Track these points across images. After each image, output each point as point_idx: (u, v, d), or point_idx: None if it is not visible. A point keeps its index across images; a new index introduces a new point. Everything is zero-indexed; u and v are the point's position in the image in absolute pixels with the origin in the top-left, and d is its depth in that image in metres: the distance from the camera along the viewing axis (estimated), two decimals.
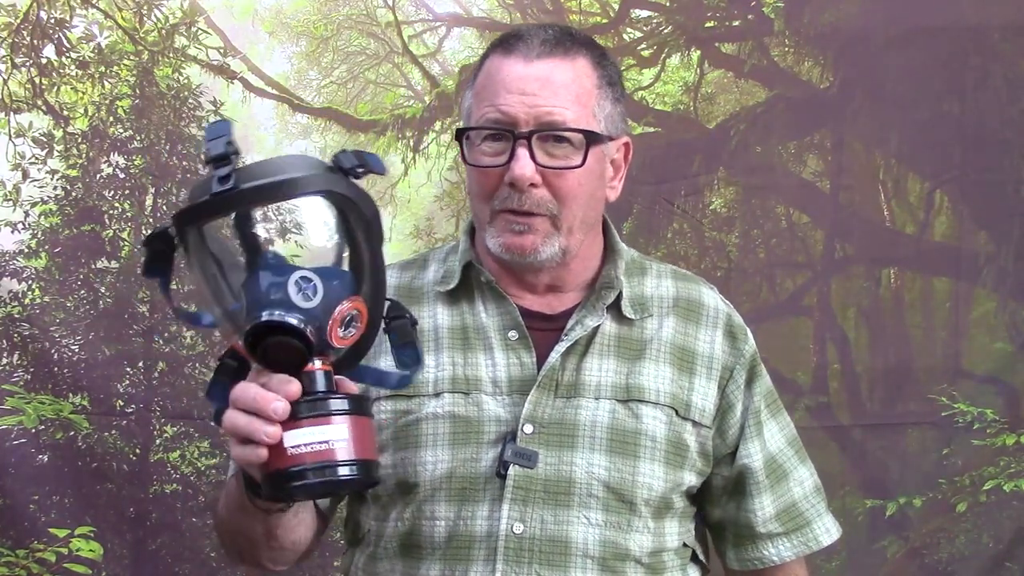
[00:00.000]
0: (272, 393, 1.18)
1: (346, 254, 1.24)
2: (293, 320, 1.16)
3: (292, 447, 1.17)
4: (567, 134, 1.45)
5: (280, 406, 1.17)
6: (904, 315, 3.46)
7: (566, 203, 1.46)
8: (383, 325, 1.29)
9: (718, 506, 1.62)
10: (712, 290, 1.63)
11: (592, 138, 1.46)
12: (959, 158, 3.39)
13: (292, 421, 1.17)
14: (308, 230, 3.54)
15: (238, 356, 1.26)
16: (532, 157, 1.43)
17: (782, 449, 1.62)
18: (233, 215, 1.23)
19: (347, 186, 1.17)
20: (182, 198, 3.47)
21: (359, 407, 1.22)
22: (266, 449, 1.17)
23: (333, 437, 1.18)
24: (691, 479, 1.54)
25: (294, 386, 1.18)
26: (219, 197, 1.12)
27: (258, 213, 1.24)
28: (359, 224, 1.20)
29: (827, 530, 1.65)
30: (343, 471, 1.18)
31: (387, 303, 1.29)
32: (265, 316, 1.16)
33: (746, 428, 1.57)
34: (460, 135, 1.49)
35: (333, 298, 1.18)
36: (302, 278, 1.18)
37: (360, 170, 1.18)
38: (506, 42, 1.49)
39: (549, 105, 1.44)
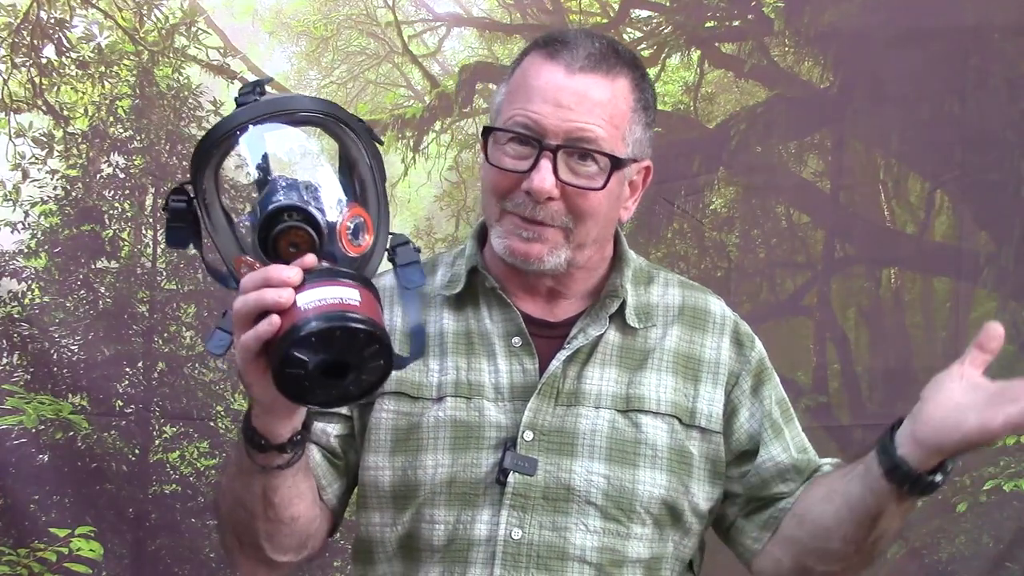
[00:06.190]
0: (283, 265, 1.19)
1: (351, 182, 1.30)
2: (305, 205, 1.19)
3: (304, 304, 1.16)
4: (594, 153, 1.42)
5: (293, 272, 1.17)
6: (904, 315, 3.46)
7: (582, 221, 1.45)
8: (387, 250, 1.33)
9: (735, 505, 1.57)
10: (719, 300, 1.62)
11: (617, 164, 1.44)
12: (959, 158, 3.38)
13: (303, 285, 1.17)
14: None
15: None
16: (555, 171, 1.41)
17: (796, 460, 1.58)
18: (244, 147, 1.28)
19: (350, 116, 1.27)
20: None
21: (367, 283, 1.22)
22: (278, 317, 1.16)
23: (345, 296, 1.17)
24: (701, 489, 1.52)
25: (308, 258, 1.19)
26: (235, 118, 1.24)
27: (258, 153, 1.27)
28: (367, 150, 1.29)
29: None
30: (356, 322, 1.15)
31: (390, 235, 1.33)
32: (281, 198, 1.19)
33: (764, 433, 1.54)
34: (486, 133, 1.47)
35: (340, 203, 1.22)
36: (307, 186, 1.22)
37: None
38: (551, 45, 1.46)
39: (582, 121, 1.41)
